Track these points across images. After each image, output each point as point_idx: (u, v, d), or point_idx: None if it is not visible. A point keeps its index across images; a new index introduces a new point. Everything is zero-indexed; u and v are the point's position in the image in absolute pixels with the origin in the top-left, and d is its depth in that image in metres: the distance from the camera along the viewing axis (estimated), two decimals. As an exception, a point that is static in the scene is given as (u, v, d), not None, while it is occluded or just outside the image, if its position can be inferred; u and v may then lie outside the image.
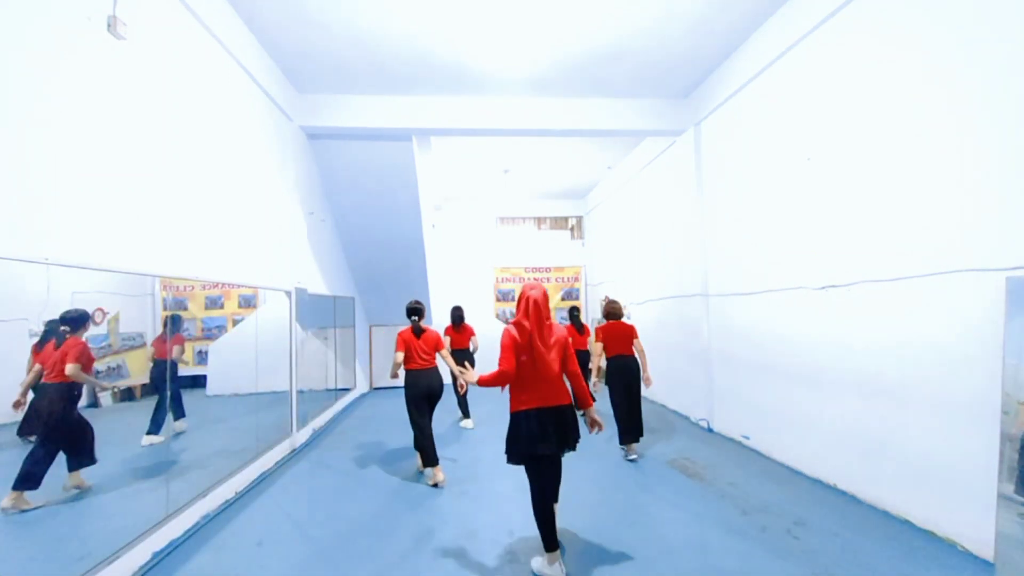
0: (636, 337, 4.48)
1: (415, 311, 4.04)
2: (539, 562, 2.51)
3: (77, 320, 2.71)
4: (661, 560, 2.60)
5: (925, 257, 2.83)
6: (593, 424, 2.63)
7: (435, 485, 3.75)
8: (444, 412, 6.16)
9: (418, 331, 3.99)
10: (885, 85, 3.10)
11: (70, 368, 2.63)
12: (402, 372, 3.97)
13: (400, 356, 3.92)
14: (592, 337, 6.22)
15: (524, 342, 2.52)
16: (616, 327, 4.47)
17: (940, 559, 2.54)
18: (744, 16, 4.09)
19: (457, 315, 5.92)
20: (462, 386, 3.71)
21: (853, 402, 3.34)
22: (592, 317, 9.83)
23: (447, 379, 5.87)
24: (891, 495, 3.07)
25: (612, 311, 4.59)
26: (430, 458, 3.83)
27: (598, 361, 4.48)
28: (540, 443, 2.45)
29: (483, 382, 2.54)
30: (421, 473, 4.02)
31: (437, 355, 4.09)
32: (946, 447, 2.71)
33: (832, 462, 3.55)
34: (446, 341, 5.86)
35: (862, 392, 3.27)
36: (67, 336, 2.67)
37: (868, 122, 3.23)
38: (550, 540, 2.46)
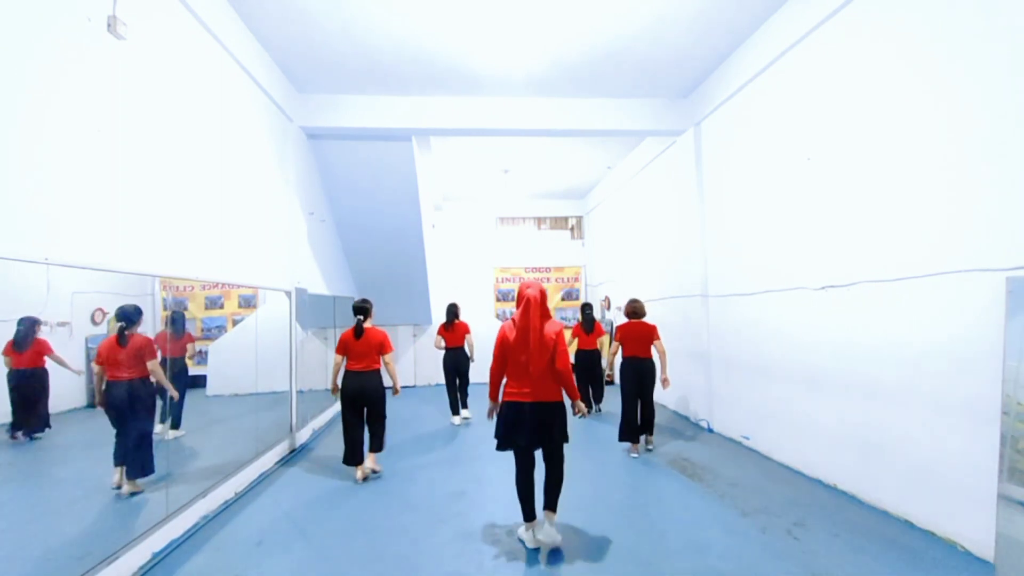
0: (657, 339, 4.40)
1: (358, 310, 3.89)
2: (520, 529, 2.86)
3: (135, 316, 2.86)
4: (661, 560, 2.60)
5: (925, 257, 2.83)
6: (577, 410, 2.87)
7: (364, 479, 3.84)
8: (444, 409, 6.17)
9: (358, 332, 3.82)
10: (885, 85, 3.10)
11: (152, 365, 2.91)
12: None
13: (337, 359, 3.87)
14: (604, 338, 6.16)
15: (513, 339, 2.74)
16: (633, 327, 4.42)
17: (940, 559, 2.54)
18: (744, 16, 4.09)
19: (450, 312, 5.80)
20: (396, 391, 4.08)
21: (853, 402, 3.34)
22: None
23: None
24: (891, 495, 3.07)
25: (633, 310, 4.52)
26: (350, 457, 3.87)
27: (611, 358, 4.59)
28: (515, 434, 2.73)
29: (493, 396, 2.89)
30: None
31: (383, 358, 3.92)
32: (946, 447, 2.70)
33: (832, 463, 3.54)
34: (439, 341, 5.79)
35: (862, 392, 3.27)
36: (128, 333, 2.84)
37: (868, 122, 3.23)
38: (527, 512, 2.78)
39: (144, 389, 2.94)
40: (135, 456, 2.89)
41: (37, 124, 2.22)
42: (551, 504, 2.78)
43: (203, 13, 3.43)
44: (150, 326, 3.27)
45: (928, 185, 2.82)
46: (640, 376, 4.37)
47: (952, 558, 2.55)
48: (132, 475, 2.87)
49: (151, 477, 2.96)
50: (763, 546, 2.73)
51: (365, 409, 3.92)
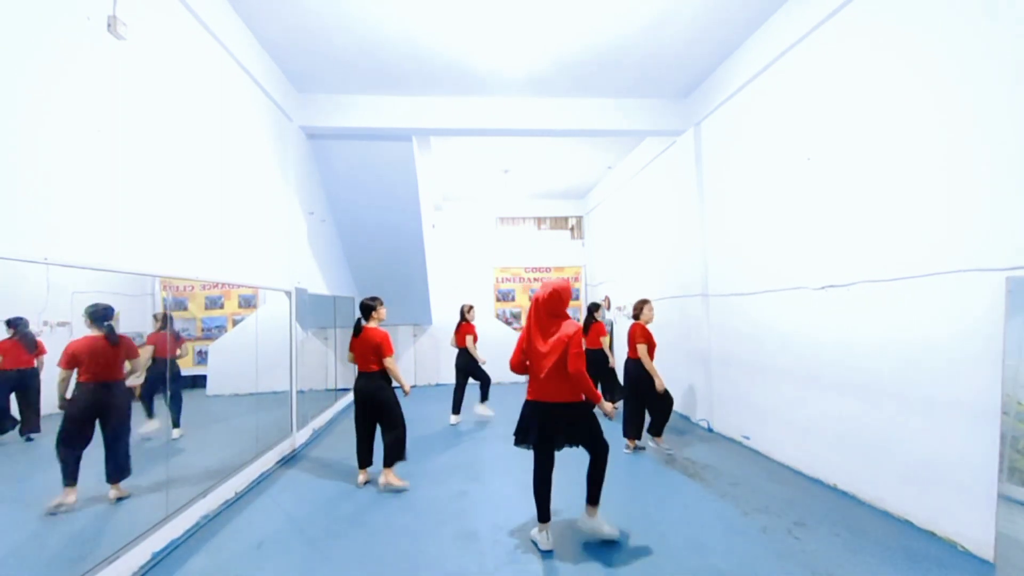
0: (639, 341, 4.32)
1: (361, 307, 3.78)
2: (534, 531, 2.83)
3: (107, 314, 2.77)
4: (661, 560, 2.60)
5: (925, 257, 2.83)
6: (604, 412, 2.91)
7: (364, 483, 3.78)
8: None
9: (356, 331, 3.69)
10: (885, 85, 3.10)
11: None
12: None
13: (349, 356, 3.83)
14: (605, 338, 6.13)
15: (525, 340, 2.81)
16: (630, 329, 4.48)
17: (940, 559, 2.54)
18: (744, 16, 4.09)
19: (460, 313, 6.01)
20: (405, 392, 3.95)
21: (853, 402, 3.34)
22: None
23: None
24: (891, 495, 3.07)
25: (633, 312, 4.57)
26: (361, 460, 3.84)
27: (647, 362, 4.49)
28: (531, 433, 2.77)
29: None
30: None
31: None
32: (946, 447, 2.71)
33: (832, 462, 3.55)
34: (452, 340, 5.95)
35: (862, 392, 3.27)
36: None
37: (868, 122, 3.23)
38: (541, 513, 2.78)
39: (126, 390, 2.90)
40: (122, 459, 2.82)
41: (37, 124, 2.22)
42: (593, 498, 2.80)
43: (203, 13, 3.43)
44: (150, 327, 3.27)
45: (928, 185, 2.82)
46: (630, 376, 4.44)
47: (952, 558, 2.55)
48: (116, 479, 2.80)
49: (139, 479, 2.93)
50: (763, 546, 2.73)
51: (376, 416, 3.77)
